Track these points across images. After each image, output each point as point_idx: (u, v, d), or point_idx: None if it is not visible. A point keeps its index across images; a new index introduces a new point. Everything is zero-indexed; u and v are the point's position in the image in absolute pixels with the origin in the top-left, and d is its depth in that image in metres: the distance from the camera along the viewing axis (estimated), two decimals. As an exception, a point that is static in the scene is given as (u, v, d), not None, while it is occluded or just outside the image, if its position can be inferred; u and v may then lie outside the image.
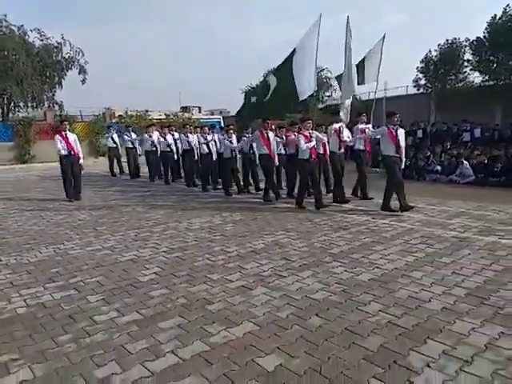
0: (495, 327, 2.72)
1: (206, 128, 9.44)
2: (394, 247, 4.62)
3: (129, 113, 26.79)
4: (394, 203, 6.41)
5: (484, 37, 19.15)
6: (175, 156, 10.58)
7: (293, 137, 7.77)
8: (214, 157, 9.04)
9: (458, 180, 9.65)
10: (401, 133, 6.36)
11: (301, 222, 5.98)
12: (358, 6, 78.20)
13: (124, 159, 12.59)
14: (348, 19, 7.66)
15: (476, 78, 20.16)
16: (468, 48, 19.52)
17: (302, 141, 6.73)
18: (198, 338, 2.68)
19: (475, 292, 3.31)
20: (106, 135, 13.22)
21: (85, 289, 3.59)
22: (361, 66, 8.78)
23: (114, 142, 12.52)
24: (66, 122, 8.47)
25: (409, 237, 5.02)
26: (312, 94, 8.24)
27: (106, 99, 70.35)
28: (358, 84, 8.66)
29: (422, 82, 21.70)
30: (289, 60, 7.94)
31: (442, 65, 20.50)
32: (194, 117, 30.28)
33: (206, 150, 8.94)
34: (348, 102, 7.99)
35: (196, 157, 9.56)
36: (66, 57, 22.11)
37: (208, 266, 4.13)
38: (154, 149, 10.84)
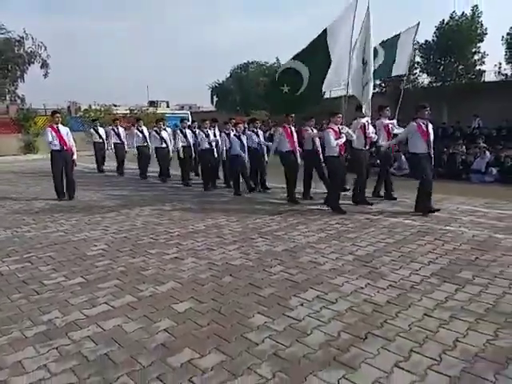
0: (364, 281, 3.51)
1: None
2: (314, 226, 5.40)
3: (94, 107, 26.77)
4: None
5: (432, 40, 20.47)
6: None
7: (309, 131, 7.31)
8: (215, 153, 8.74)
9: (395, 173, 10.62)
10: (430, 128, 5.94)
11: (240, 203, 6.71)
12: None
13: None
14: (368, 4, 6.54)
15: (425, 79, 21.46)
16: (417, 51, 20.79)
17: (332, 136, 6.13)
18: (129, 293, 3.33)
19: (362, 258, 4.11)
20: (92, 130, 12.53)
21: (38, 261, 4.16)
22: (389, 54, 7.85)
23: (100, 137, 11.97)
24: (59, 115, 7.66)
25: (329, 218, 5.82)
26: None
27: (72, 93, 68.79)
28: (384, 75, 8.13)
29: (377, 82, 22.85)
30: (321, 44, 6.41)
31: (394, 66, 21.69)
32: (159, 111, 30.47)
33: (207, 146, 8.52)
34: (369, 93, 6.75)
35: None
36: (28, 51, 21.89)
37: (150, 243, 4.76)
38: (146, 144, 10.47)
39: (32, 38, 20.95)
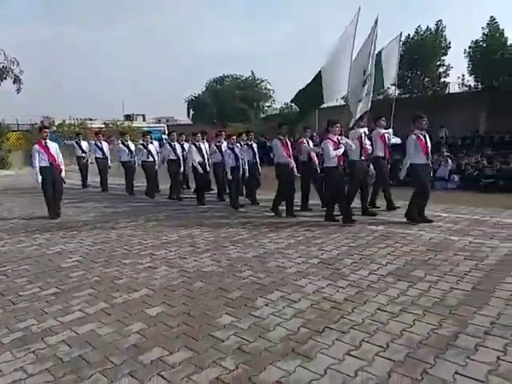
0: (326, 281, 3.77)
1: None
2: (284, 234, 5.66)
3: (68, 121, 26.56)
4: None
5: (400, 54, 21.34)
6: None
7: (305, 144, 7.35)
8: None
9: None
10: (428, 138, 6.00)
11: (214, 215, 6.92)
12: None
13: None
14: (377, 18, 6.90)
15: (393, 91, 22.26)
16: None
17: (331, 147, 6.11)
18: (103, 301, 3.47)
19: (326, 261, 4.38)
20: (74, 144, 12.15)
21: (13, 274, 4.24)
22: (378, 68, 7.78)
23: (83, 151, 11.72)
24: (47, 130, 7.49)
25: (298, 226, 6.09)
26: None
27: (46, 107, 67.81)
28: (379, 88, 8.27)
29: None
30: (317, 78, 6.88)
31: (365, 78, 22.52)
32: (134, 125, 30.44)
33: (200, 160, 8.42)
34: (369, 104, 7.03)
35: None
36: (0, 66, 21.65)
37: (124, 254, 4.91)
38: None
39: (4, 54, 20.75)
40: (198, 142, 8.56)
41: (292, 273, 4.04)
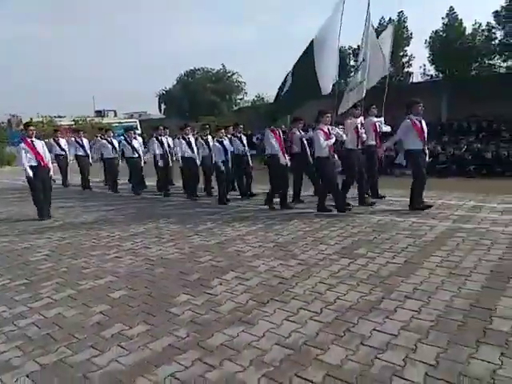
0: (278, 261, 4.15)
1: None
2: (246, 222, 6.01)
3: (36, 119, 26.07)
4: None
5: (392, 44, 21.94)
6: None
7: (297, 134, 7.29)
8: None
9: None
10: (424, 124, 5.96)
11: (183, 207, 7.21)
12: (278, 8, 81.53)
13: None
14: (369, 2, 6.83)
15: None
16: (351, 55, 22.21)
17: (322, 137, 6.12)
18: (70, 288, 3.74)
19: (281, 244, 4.76)
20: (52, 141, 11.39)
21: (-18, 269, 4.44)
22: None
23: (62, 150, 11.36)
24: (33, 128, 7.07)
25: (260, 214, 6.47)
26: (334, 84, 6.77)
27: (13, 105, 65.79)
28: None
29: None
30: (308, 53, 6.56)
31: (332, 69, 23.02)
32: (105, 121, 30.12)
33: (190, 154, 8.42)
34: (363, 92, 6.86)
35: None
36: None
37: (92, 246, 5.15)
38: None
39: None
40: (187, 135, 8.51)
41: (249, 256, 4.40)
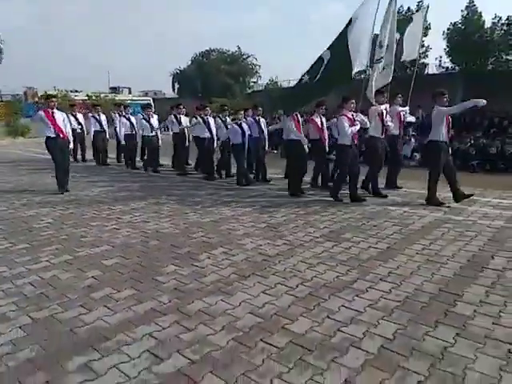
0: (266, 241, 4.33)
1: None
2: (243, 203, 6.20)
3: (50, 92, 26.36)
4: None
5: (375, 35, 21.61)
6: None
7: (317, 120, 7.13)
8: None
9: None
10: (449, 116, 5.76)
11: (184, 186, 7.42)
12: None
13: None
14: None
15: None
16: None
17: (346, 124, 5.96)
18: (67, 254, 3.98)
19: (272, 225, 4.94)
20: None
21: (-12, 233, 4.71)
22: (400, 40, 7.46)
23: (79, 124, 11.08)
24: (54, 99, 7.06)
25: (259, 197, 6.64)
26: (364, 71, 7.17)
27: (31, 78, 66.27)
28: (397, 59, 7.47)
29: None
30: (344, 33, 6.47)
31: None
32: (119, 98, 30.33)
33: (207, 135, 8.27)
34: (389, 77, 6.82)
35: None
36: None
37: (93, 217, 5.39)
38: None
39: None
40: (206, 116, 8.38)
41: (239, 234, 4.59)
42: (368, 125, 6.35)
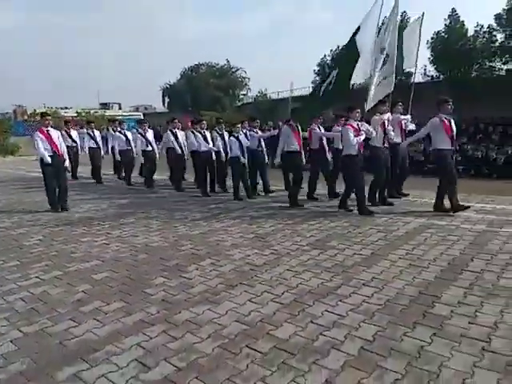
0: (254, 251, 4.42)
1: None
2: (233, 215, 6.30)
3: (39, 110, 26.41)
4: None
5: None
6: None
7: (317, 130, 7.26)
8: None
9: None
10: (453, 123, 5.80)
11: (175, 199, 7.51)
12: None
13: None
14: None
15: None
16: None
17: (351, 133, 5.91)
18: (58, 270, 4.03)
19: (260, 235, 5.04)
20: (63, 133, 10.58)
21: (-22, 252, 4.75)
22: (399, 48, 7.32)
23: (74, 141, 10.95)
24: (49, 117, 7.00)
25: (248, 208, 6.75)
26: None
27: (20, 95, 66.49)
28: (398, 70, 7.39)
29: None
30: (352, 40, 6.50)
31: (334, 68, 23.23)
32: (109, 113, 30.46)
33: (204, 149, 8.18)
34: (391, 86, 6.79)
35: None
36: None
37: (82, 233, 5.45)
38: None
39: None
40: (202, 129, 8.34)
41: (228, 245, 4.68)
42: (374, 134, 6.30)
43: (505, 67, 19.66)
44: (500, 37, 19.52)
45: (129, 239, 5.08)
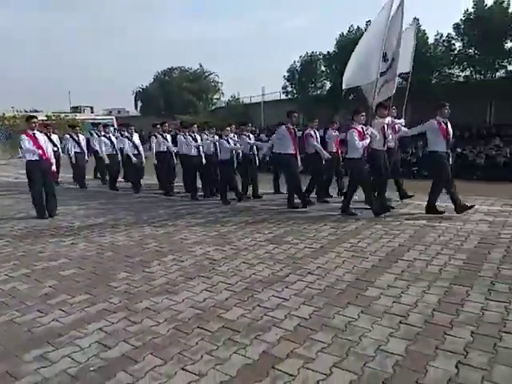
0: (214, 247, 4.74)
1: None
2: (200, 215, 6.60)
3: (8, 114, 25.83)
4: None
5: (334, 51, 22.85)
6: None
7: (312, 133, 7.31)
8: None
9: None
10: (450, 127, 5.89)
11: (142, 201, 7.74)
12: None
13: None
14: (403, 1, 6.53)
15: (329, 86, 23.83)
16: (321, 61, 23.09)
17: (356, 137, 5.93)
18: (26, 268, 4.24)
19: (222, 234, 5.36)
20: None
21: None
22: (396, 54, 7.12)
23: (55, 145, 10.48)
24: (36, 120, 6.73)
25: (216, 209, 7.07)
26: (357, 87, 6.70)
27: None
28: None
29: (289, 89, 24.94)
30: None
31: (303, 74, 23.92)
32: (81, 117, 30.05)
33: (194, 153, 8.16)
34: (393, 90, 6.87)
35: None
36: None
37: (51, 235, 5.63)
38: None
39: None
40: (193, 133, 8.32)
41: (190, 243, 4.98)
42: (378, 137, 6.29)
43: (463, 74, 20.75)
44: (458, 45, 20.63)
45: (96, 239, 5.31)
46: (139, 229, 5.79)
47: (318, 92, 24.14)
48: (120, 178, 10.51)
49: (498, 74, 19.29)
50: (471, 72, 19.27)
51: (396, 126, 6.92)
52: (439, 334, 2.63)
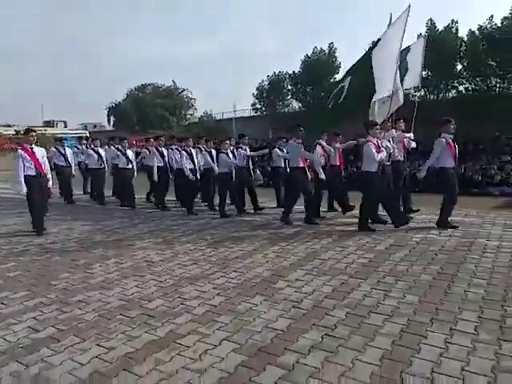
0: (156, 251, 5.18)
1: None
2: (152, 223, 7.02)
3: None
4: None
5: (299, 71, 23.88)
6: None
7: (319, 148, 7.34)
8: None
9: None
10: (453, 142, 5.95)
11: (126, 211, 8.11)
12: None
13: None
14: (409, 8, 6.42)
15: (296, 104, 24.80)
16: (288, 80, 24.09)
17: (374, 150, 5.87)
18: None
19: (168, 240, 5.81)
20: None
21: None
22: (402, 67, 7.25)
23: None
24: (34, 133, 6.44)
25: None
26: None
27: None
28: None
29: (258, 106, 25.80)
30: (367, 54, 6.51)
31: (271, 92, 24.84)
32: (52, 131, 30.01)
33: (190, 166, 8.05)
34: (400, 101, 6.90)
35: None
36: None
37: (5, 242, 5.94)
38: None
39: None
40: (189, 147, 8.26)
41: (135, 248, 5.40)
42: (392, 150, 6.35)
43: (418, 94, 21.89)
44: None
45: (47, 246, 5.66)
46: (91, 237, 6.16)
47: (286, 110, 25.09)
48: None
49: (449, 94, 20.57)
50: (425, 92, 20.44)
51: (405, 140, 6.90)
52: (321, 314, 3.15)
